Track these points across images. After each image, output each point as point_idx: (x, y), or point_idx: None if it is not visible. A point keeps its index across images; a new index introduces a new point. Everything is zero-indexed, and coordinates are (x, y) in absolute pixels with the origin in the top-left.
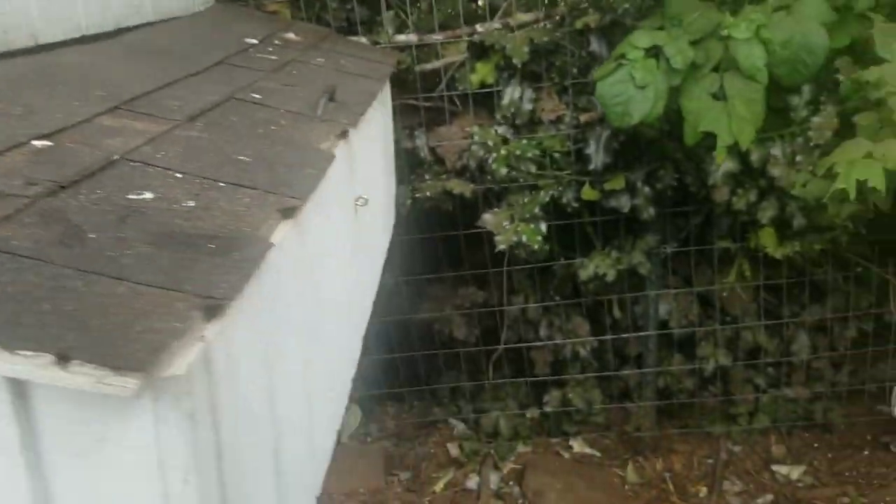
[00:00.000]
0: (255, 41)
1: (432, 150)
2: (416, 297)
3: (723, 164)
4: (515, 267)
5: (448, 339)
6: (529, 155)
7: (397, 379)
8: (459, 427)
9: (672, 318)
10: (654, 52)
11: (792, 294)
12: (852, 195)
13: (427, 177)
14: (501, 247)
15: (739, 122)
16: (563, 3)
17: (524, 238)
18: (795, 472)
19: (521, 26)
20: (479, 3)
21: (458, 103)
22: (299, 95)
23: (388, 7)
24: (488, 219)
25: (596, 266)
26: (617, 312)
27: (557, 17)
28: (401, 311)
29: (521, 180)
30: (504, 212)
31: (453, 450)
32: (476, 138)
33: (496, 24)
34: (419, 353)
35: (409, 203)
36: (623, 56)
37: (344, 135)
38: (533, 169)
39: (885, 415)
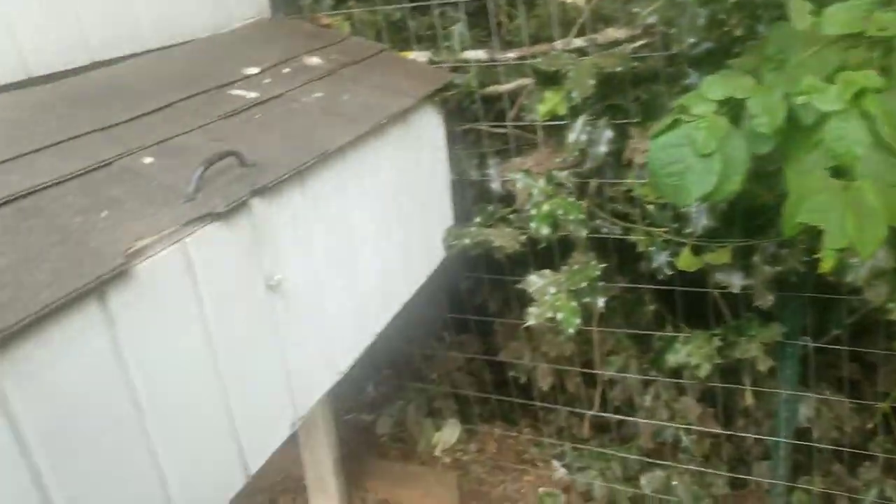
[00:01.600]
0: (255, 71)
1: (504, 184)
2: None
3: (868, 259)
4: (606, 329)
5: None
6: (572, 217)
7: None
8: (559, 472)
9: (816, 428)
10: (734, 106)
11: None
12: None
13: (478, 219)
14: (531, 322)
15: (865, 216)
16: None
17: (559, 316)
18: None
19: (612, 45)
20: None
21: (538, 133)
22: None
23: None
24: (533, 281)
25: (688, 353)
26: (749, 399)
27: (655, 38)
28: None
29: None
30: (554, 276)
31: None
32: (520, 186)
33: (578, 42)
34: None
35: (459, 245)
36: (685, 109)
37: (206, 219)
38: (583, 233)
39: None
